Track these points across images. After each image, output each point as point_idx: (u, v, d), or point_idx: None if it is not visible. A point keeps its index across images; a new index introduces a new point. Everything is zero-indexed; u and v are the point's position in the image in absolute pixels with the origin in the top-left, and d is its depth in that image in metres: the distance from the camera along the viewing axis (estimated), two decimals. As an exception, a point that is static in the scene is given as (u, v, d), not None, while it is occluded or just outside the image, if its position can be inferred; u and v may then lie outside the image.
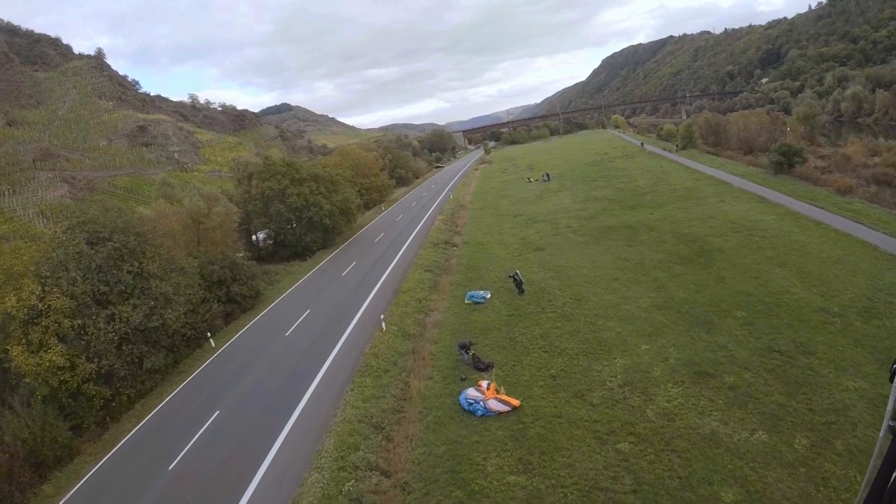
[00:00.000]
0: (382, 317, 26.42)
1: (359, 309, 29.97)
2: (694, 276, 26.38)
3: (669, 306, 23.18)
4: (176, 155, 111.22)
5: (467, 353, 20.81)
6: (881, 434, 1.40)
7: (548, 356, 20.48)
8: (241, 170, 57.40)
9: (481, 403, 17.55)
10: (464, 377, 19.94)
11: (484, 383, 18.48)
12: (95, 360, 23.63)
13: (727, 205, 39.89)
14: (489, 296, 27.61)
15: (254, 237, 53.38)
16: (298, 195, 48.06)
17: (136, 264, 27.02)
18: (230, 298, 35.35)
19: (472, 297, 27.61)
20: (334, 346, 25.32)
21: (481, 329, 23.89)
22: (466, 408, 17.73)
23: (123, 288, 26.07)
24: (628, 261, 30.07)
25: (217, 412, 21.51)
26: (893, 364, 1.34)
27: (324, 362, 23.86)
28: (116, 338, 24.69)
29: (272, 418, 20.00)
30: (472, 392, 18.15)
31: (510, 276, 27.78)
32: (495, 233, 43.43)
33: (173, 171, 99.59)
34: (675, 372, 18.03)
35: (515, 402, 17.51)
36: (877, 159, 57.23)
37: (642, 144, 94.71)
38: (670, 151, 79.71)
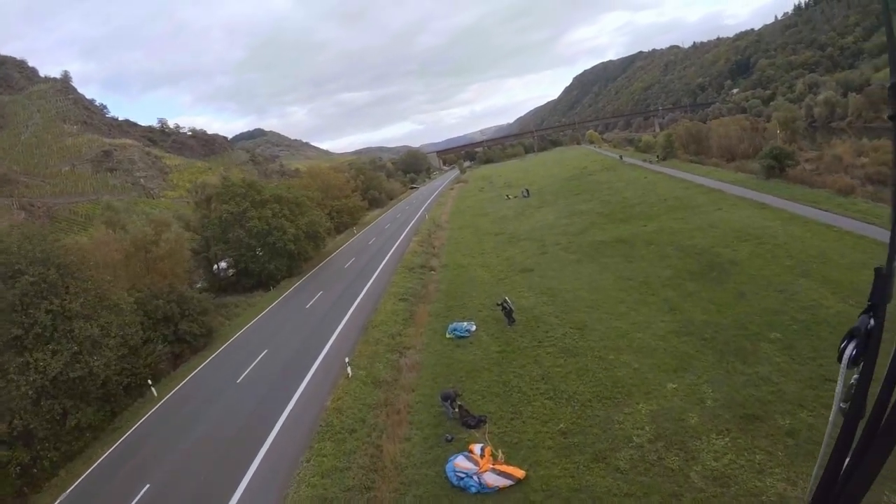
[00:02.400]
0: (348, 360, 22.01)
1: (322, 348, 25.55)
2: (710, 293, 22.69)
3: (690, 332, 19.36)
4: (142, 181, 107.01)
5: (453, 407, 16.58)
6: (831, 418, 1.33)
7: (553, 404, 16.38)
8: (199, 192, 53.04)
9: (475, 477, 13.35)
10: (450, 437, 15.71)
11: (477, 448, 14.29)
12: (8, 418, 20.18)
13: (726, 213, 36.73)
14: (474, 328, 23.46)
15: (216, 266, 48.80)
16: (259, 218, 43.87)
17: (57, 302, 22.90)
18: (178, 337, 31.18)
19: (455, 330, 23.41)
20: (291, 398, 20.87)
21: (468, 371, 19.70)
22: (456, 483, 13.52)
23: (41, 330, 21.96)
24: (631, 279, 26.30)
25: (147, 486, 17.27)
26: (840, 344, 1.28)
27: (277, 420, 19.43)
28: (32, 391, 20.62)
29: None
30: (462, 462, 13.94)
31: (498, 304, 23.68)
32: (476, 254, 39.45)
33: (139, 198, 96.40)
34: (717, 417, 14.15)
35: (519, 473, 13.36)
36: (864, 159, 55.53)
37: (621, 157, 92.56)
38: (651, 162, 77.40)
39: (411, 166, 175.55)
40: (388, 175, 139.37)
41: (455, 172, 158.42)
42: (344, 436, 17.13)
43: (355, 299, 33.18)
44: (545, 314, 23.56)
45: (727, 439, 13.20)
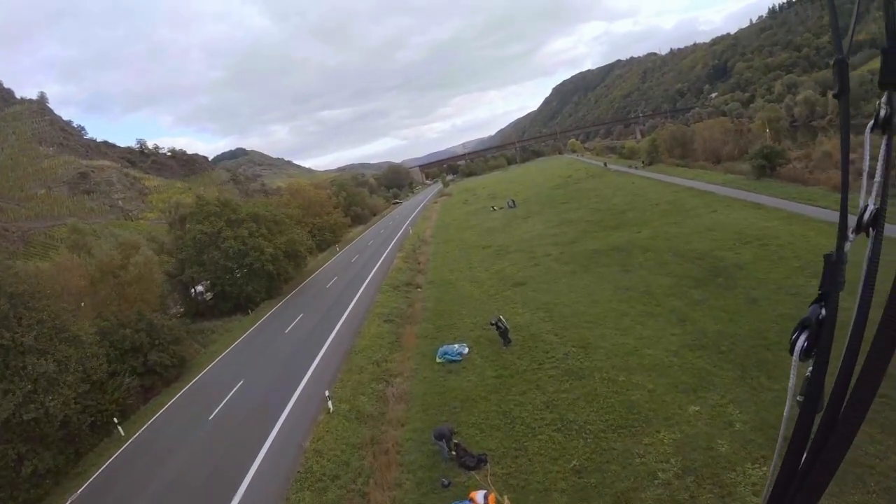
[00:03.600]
0: (328, 394, 19.67)
1: (301, 379, 23.27)
2: (718, 300, 21.00)
3: (704, 345, 17.59)
4: (120, 202, 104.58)
5: (449, 446, 14.50)
6: (786, 413, 1.29)
7: (562, 437, 14.41)
8: (173, 212, 50.65)
9: (478, 534, 11.34)
10: (447, 482, 13.65)
11: (479, 496, 12.21)
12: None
13: (721, 215, 35.37)
14: (467, 350, 21.38)
15: (193, 290, 46.38)
16: (235, 238, 41.63)
17: (8, 335, 20.76)
18: (148, 369, 28.85)
19: (446, 353, 21.27)
20: (266, 438, 18.60)
21: (462, 400, 17.65)
22: (455, 540, 11.50)
23: (-11, 368, 19.58)
24: (631, 289, 24.51)
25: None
26: (791, 336, 1.22)
27: (251, 464, 17.18)
28: (-19, 435, 18.22)
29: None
30: (461, 514, 11.93)
31: (492, 324, 21.63)
32: (464, 268, 37.46)
33: (116, 220, 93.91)
34: (749, 443, 12.39)
35: (529, 527, 11.38)
36: (853, 155, 54.82)
37: (605, 164, 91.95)
38: (636, 168, 76.68)
39: (394, 181, 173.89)
40: (370, 191, 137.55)
41: (438, 186, 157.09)
42: (325, 483, 14.97)
43: (337, 322, 30.99)
44: (543, 332, 21.61)
45: (765, 469, 11.38)
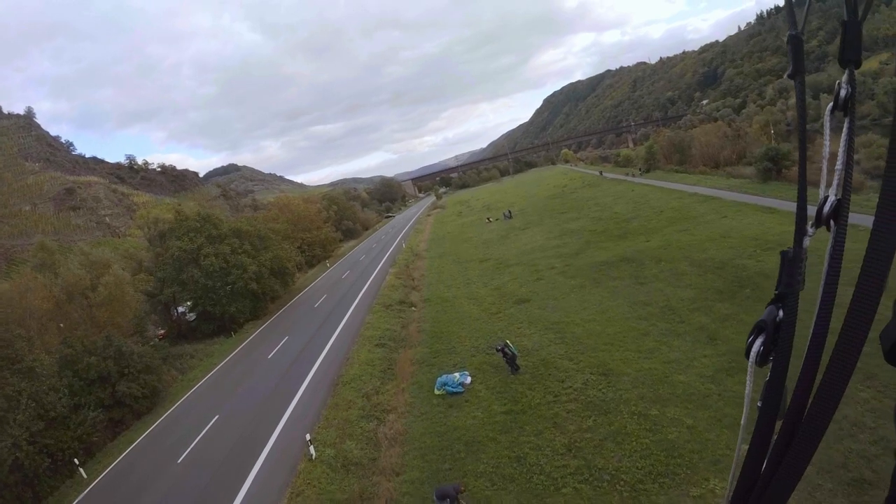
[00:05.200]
0: (309, 437, 16.73)
1: (282, 414, 20.44)
2: (749, 314, 18.58)
3: (743, 368, 14.88)
4: (107, 219, 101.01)
5: (453, 508, 11.87)
6: (743, 421, 1.28)
7: (591, 491, 11.85)
8: (152, 228, 47.93)
9: None
10: (452, 554, 11.06)
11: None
12: None
13: (734, 220, 33.21)
14: (469, 380, 18.70)
15: (174, 310, 43.68)
16: (216, 255, 39.00)
17: None
18: (117, 401, 26.24)
19: (446, 384, 18.53)
20: (238, 491, 15.87)
21: (467, 442, 15.01)
22: None
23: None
24: (649, 304, 22.07)
25: None
26: (747, 339, 1.16)
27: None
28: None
29: None
30: None
31: (498, 350, 19.02)
32: (461, 284, 34.87)
33: (103, 237, 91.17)
34: (817, 489, 10.21)
35: None
36: (857, 156, 53.42)
37: (601, 172, 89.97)
38: (633, 175, 74.66)
39: (386, 195, 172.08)
40: (362, 205, 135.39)
41: (431, 199, 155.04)
42: (304, 554, 12.33)
43: (324, 346, 28.26)
44: (555, 356, 19.03)
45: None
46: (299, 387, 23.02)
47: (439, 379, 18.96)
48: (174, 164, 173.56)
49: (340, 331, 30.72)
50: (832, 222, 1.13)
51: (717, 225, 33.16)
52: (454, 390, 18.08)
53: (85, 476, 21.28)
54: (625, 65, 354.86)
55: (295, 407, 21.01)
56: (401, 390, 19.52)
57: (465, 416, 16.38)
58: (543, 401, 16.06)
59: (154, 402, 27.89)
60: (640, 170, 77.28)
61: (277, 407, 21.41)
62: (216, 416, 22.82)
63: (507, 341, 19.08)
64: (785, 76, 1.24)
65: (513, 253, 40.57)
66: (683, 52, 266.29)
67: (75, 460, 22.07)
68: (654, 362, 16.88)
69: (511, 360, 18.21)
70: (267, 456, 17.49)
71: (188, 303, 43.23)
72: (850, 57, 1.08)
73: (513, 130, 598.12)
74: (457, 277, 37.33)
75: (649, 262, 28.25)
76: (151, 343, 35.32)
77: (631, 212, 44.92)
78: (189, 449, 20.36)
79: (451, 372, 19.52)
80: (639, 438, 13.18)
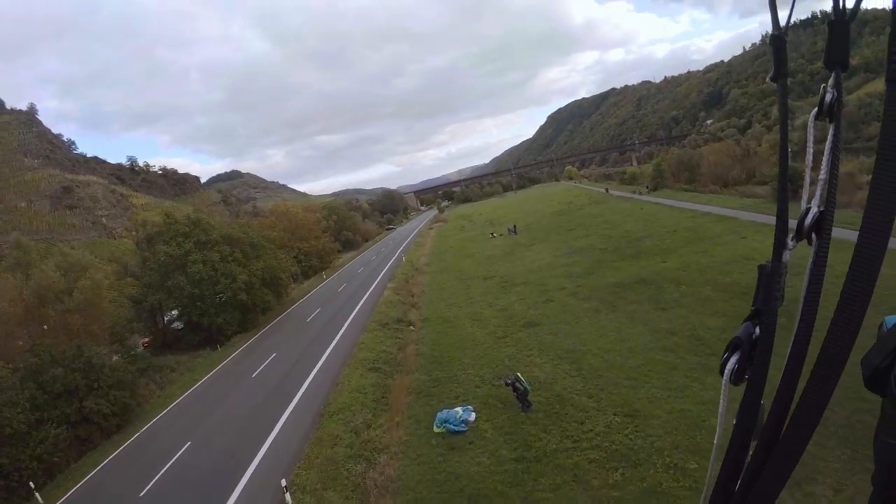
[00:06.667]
0: (285, 484, 14.06)
1: (259, 447, 17.98)
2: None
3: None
4: (104, 220, 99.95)
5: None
6: (716, 440, 1.19)
7: (624, 573, 9.62)
8: (140, 231, 45.99)
9: None
10: None
11: None
12: None
13: (754, 242, 31.18)
14: (473, 417, 16.32)
15: (162, 318, 41.62)
16: (204, 262, 36.94)
17: None
18: (84, 417, 24.11)
19: (446, 421, 16.15)
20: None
21: (470, 496, 12.62)
22: None
23: None
24: (675, 333, 19.85)
25: None
26: (722, 356, 1.12)
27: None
28: None
29: None
30: None
31: (508, 384, 16.70)
32: (464, 303, 32.58)
33: (98, 237, 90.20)
34: None
35: None
36: (869, 176, 52.43)
37: (607, 190, 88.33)
38: (640, 193, 72.89)
39: (388, 207, 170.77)
40: (364, 216, 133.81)
41: (433, 212, 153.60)
42: None
43: (313, 367, 25.91)
44: (572, 392, 16.72)
45: None
46: (281, 414, 20.66)
47: (439, 414, 16.58)
48: (177, 168, 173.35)
49: (332, 350, 28.44)
50: (814, 235, 1.09)
51: (736, 246, 31.16)
52: (456, 428, 15.74)
53: (41, 502, 19.18)
54: (629, 83, 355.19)
55: (275, 437, 18.69)
56: (395, 425, 17.11)
57: (468, 462, 14.05)
58: (560, 447, 13.76)
59: (125, 420, 25.78)
60: (647, 187, 75.74)
61: (256, 436, 19.06)
62: (188, 443, 20.56)
63: (519, 374, 16.75)
64: (767, 79, 1.15)
65: (519, 271, 38.37)
66: (688, 72, 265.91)
67: (31, 483, 19.93)
68: (687, 402, 14.65)
69: (522, 396, 15.91)
70: (237, 500, 15.15)
71: (173, 312, 41.27)
72: (836, 58, 1.04)
73: (516, 146, 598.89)
74: (459, 295, 35.09)
75: (668, 284, 26.10)
76: (132, 352, 33.33)
77: (642, 230, 42.87)
78: (155, 479, 18.14)
79: (453, 406, 17.14)
80: (678, 500, 10.95)
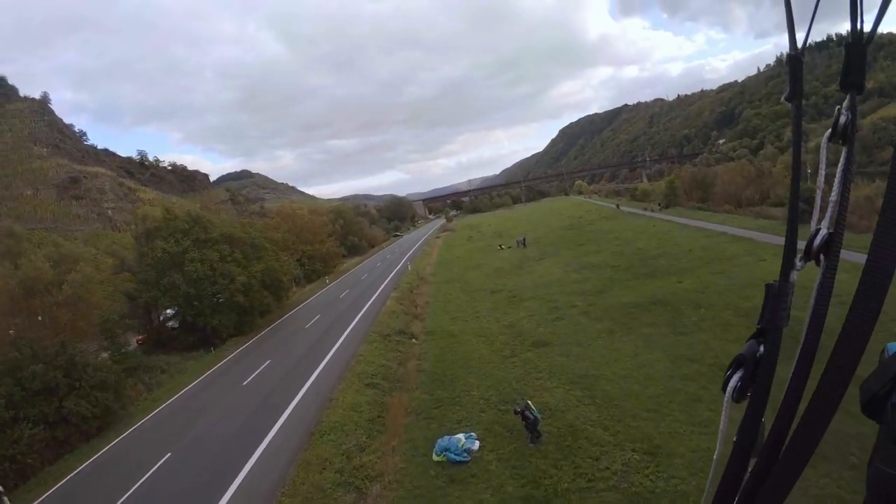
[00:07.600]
0: None
1: (242, 467, 16.56)
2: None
3: (825, 454, 11.45)
4: (109, 212, 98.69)
5: None
6: (716, 456, 1.21)
7: None
8: (139, 225, 45.03)
9: None
10: None
11: None
12: None
13: (773, 264, 29.22)
14: (476, 446, 14.93)
15: (159, 316, 40.67)
16: (202, 261, 35.87)
17: None
18: (63, 418, 23.08)
19: (447, 449, 14.75)
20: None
21: (471, 539, 11.42)
22: None
23: None
24: (695, 360, 18.48)
25: None
26: (726, 373, 1.13)
27: None
28: None
29: None
30: None
31: (516, 412, 15.24)
32: (469, 317, 31.23)
33: (102, 230, 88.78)
34: None
35: None
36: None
37: (618, 206, 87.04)
38: (652, 210, 71.70)
39: (396, 213, 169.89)
40: (371, 221, 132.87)
41: (441, 221, 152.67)
42: None
43: (308, 378, 24.63)
44: (585, 422, 15.31)
45: None
46: (270, 429, 19.34)
47: (440, 441, 15.17)
48: (186, 165, 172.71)
49: (329, 360, 27.18)
50: (822, 256, 1.08)
51: (756, 269, 29.91)
52: (458, 458, 14.36)
53: (10, 507, 18.10)
54: (642, 100, 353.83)
55: (260, 456, 17.35)
56: (391, 450, 15.70)
57: (470, 498, 12.66)
58: (573, 486, 12.37)
59: (106, 423, 24.69)
60: (659, 204, 74.40)
61: (239, 454, 17.76)
62: (168, 454, 19.34)
63: (529, 402, 15.35)
64: (782, 98, 1.17)
65: (528, 285, 37.00)
66: (701, 91, 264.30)
67: (0, 486, 18.86)
68: (713, 440, 13.00)
69: (532, 425, 14.52)
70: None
71: (168, 310, 40.21)
72: (852, 81, 1.03)
73: (526, 159, 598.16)
74: (465, 308, 33.77)
75: (686, 307, 24.72)
76: (123, 350, 32.24)
77: (656, 249, 41.48)
78: (129, 493, 16.91)
79: (455, 432, 15.73)
80: (709, 561, 9.55)
